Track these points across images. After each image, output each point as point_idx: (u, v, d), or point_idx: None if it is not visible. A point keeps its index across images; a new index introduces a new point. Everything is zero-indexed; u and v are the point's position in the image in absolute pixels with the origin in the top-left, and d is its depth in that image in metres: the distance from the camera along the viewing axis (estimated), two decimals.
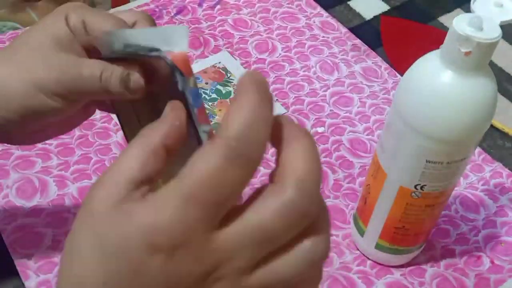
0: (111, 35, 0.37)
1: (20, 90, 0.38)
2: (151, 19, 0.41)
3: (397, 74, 0.71)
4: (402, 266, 0.54)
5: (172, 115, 0.28)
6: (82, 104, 0.41)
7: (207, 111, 0.64)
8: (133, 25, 0.40)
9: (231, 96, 0.67)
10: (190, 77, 0.30)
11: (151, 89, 0.39)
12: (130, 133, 0.43)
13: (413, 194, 0.46)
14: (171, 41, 0.32)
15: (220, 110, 0.65)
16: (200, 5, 0.78)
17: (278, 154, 0.26)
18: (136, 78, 0.37)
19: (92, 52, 0.40)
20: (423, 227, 0.50)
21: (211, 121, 0.63)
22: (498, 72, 0.73)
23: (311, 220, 0.25)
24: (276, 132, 0.26)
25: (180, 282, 0.25)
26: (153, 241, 0.24)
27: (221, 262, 0.24)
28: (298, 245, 0.25)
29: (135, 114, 0.42)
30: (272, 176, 0.26)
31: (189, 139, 0.29)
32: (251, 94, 0.24)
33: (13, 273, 0.51)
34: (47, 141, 0.60)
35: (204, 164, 0.23)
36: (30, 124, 0.40)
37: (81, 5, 0.39)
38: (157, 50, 0.33)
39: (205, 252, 0.24)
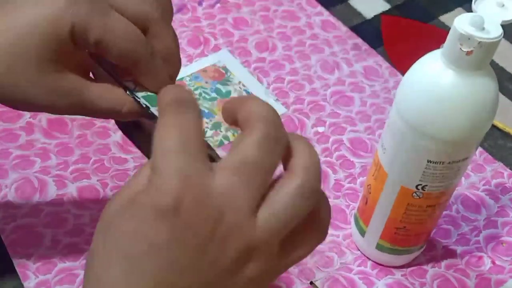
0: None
1: (21, 102, 0.36)
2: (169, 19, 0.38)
3: (398, 73, 0.71)
4: (403, 266, 0.54)
5: None
6: None
7: (207, 110, 0.64)
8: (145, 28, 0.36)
9: (231, 95, 0.66)
10: None
11: None
12: (141, 142, 0.43)
13: (414, 194, 0.46)
14: None
15: (219, 109, 0.65)
16: (200, 3, 0.78)
17: (237, 115, 0.29)
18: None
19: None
20: (424, 227, 0.50)
21: (211, 120, 0.63)
22: (499, 72, 0.72)
23: (284, 142, 0.29)
24: (229, 106, 0.30)
25: (191, 241, 0.26)
26: (159, 204, 0.26)
27: (224, 205, 0.26)
28: (288, 172, 0.28)
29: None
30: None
31: None
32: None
33: (12, 273, 0.51)
34: (46, 141, 0.60)
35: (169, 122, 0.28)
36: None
37: (90, 10, 0.33)
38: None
39: (207, 197, 0.26)
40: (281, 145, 0.28)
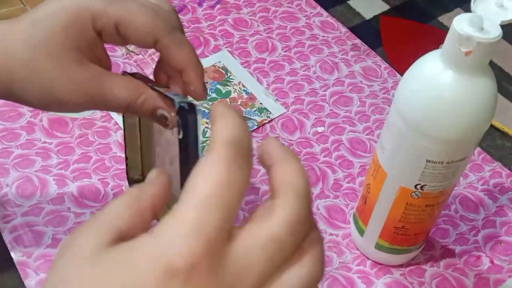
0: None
1: (39, 98, 0.36)
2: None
3: (397, 74, 0.71)
4: (401, 266, 0.54)
5: (160, 179, 0.27)
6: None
7: (207, 111, 0.65)
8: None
9: (231, 96, 0.67)
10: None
11: None
12: (128, 136, 0.44)
13: (413, 194, 0.46)
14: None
15: None
16: (200, 4, 0.78)
17: (272, 173, 0.26)
18: (172, 118, 0.36)
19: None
20: (423, 227, 0.50)
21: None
22: (497, 72, 0.73)
23: (309, 228, 0.26)
24: (266, 153, 0.27)
25: None
26: (170, 265, 0.22)
27: (237, 277, 0.23)
28: (301, 259, 0.26)
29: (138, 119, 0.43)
30: (271, 193, 0.26)
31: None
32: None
33: (13, 271, 0.51)
34: (47, 140, 0.60)
35: (211, 171, 0.23)
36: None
37: None
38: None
39: (221, 266, 0.23)
40: (307, 228, 0.26)
